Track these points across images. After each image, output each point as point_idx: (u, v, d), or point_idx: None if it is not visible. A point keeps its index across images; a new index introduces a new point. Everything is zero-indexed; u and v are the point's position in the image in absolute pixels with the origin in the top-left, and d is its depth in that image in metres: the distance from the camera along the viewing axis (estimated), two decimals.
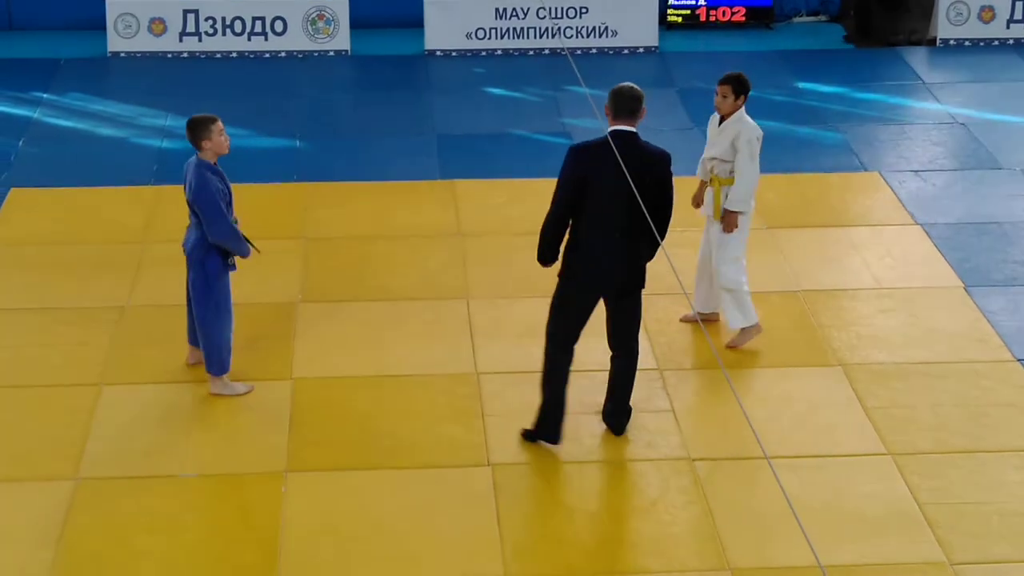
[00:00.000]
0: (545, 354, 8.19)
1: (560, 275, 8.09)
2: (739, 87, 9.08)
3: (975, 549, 7.52)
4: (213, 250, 8.52)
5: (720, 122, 9.21)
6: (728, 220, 9.14)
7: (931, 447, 8.39)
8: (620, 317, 8.15)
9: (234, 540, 7.55)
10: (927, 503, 7.86)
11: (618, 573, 7.34)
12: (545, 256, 8.05)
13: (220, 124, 8.47)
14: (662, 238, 7.88)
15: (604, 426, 8.51)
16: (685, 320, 9.63)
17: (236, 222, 8.65)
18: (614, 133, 7.80)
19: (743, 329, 9.31)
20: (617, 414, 8.38)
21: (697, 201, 9.46)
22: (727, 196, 9.14)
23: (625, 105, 7.82)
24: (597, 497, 7.94)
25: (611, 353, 8.31)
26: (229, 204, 8.59)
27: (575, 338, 8.15)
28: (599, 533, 7.63)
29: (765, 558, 7.46)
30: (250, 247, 8.62)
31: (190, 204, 8.53)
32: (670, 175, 7.95)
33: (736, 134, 9.07)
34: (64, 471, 8.05)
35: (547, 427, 8.24)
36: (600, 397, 8.65)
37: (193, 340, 8.95)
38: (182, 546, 7.50)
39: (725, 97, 9.10)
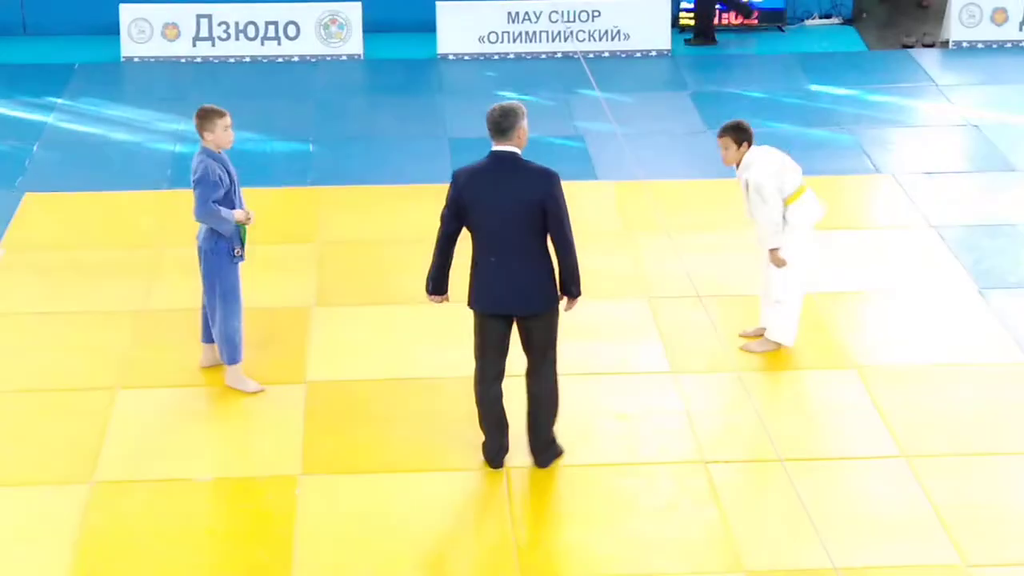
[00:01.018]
0: (474, 373, 8.02)
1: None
2: (739, 135, 8.90)
3: (991, 552, 7.50)
4: (221, 241, 8.58)
5: (738, 173, 9.01)
6: (772, 257, 8.99)
7: (946, 450, 8.37)
8: (527, 341, 7.88)
9: (248, 543, 7.56)
10: (942, 505, 7.85)
11: None
12: (429, 285, 7.95)
13: (228, 120, 8.57)
14: (567, 262, 7.66)
15: (619, 428, 8.51)
16: (745, 335, 9.45)
17: (249, 217, 8.69)
18: (491, 154, 7.68)
19: (769, 340, 9.27)
20: (538, 447, 8.07)
21: None
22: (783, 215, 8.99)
23: (495, 125, 7.63)
24: (611, 500, 7.93)
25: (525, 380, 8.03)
26: (233, 191, 8.63)
27: (497, 360, 7.91)
28: (613, 536, 7.63)
29: (780, 561, 7.45)
30: (237, 216, 8.57)
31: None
32: (551, 194, 7.59)
33: (746, 183, 8.91)
34: (80, 474, 8.07)
35: (487, 451, 8.11)
36: (616, 401, 8.68)
37: (207, 339, 8.99)
38: (197, 549, 7.51)
39: (727, 149, 8.93)
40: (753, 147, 8.97)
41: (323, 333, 9.56)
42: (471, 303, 7.86)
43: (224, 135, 8.55)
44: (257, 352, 9.23)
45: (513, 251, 7.66)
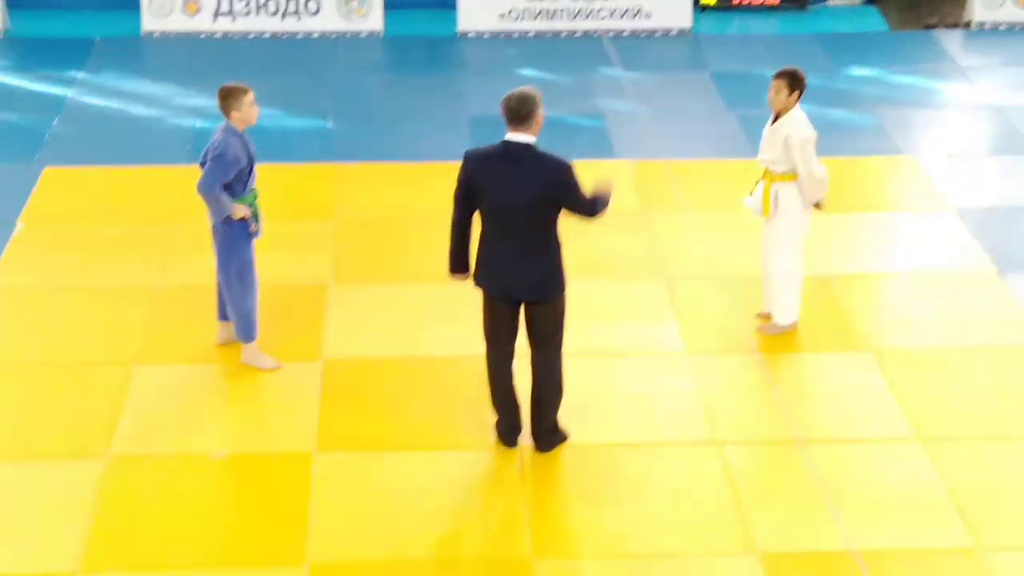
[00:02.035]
0: (486, 355, 8.03)
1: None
2: (794, 82, 8.78)
3: (1004, 535, 7.49)
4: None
5: (774, 120, 8.95)
6: (818, 207, 9.04)
7: (961, 433, 8.35)
8: (532, 326, 7.85)
9: (264, 520, 7.59)
10: (957, 489, 7.83)
11: (646, 556, 7.35)
12: (450, 264, 7.91)
13: (251, 95, 8.53)
14: (595, 214, 7.65)
15: (633, 408, 8.51)
16: (761, 316, 9.43)
17: (255, 195, 8.67)
18: (504, 143, 7.57)
19: (779, 324, 9.27)
20: (540, 430, 8.07)
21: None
22: (776, 195, 8.97)
23: (512, 113, 7.50)
24: (625, 481, 7.94)
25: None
26: (249, 172, 8.60)
27: (506, 341, 7.91)
28: (627, 517, 7.63)
29: (793, 543, 7.45)
30: (236, 212, 8.51)
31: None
32: (565, 184, 7.53)
33: (787, 136, 8.80)
34: (95, 449, 8.11)
35: (500, 431, 8.15)
36: (631, 381, 8.67)
37: (222, 316, 9.02)
38: (211, 525, 7.55)
39: (778, 92, 8.81)
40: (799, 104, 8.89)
41: (340, 310, 9.58)
42: (477, 281, 7.86)
43: (251, 111, 8.53)
44: (273, 328, 9.25)
45: (522, 239, 7.62)
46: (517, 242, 7.61)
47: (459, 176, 7.74)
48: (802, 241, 9.15)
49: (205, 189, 8.46)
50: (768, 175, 9.04)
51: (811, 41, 14.83)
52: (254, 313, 8.79)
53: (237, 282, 8.68)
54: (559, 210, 7.59)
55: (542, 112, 7.58)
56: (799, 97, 8.88)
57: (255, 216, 8.66)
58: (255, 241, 8.73)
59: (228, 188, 8.50)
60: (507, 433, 8.11)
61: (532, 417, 8.08)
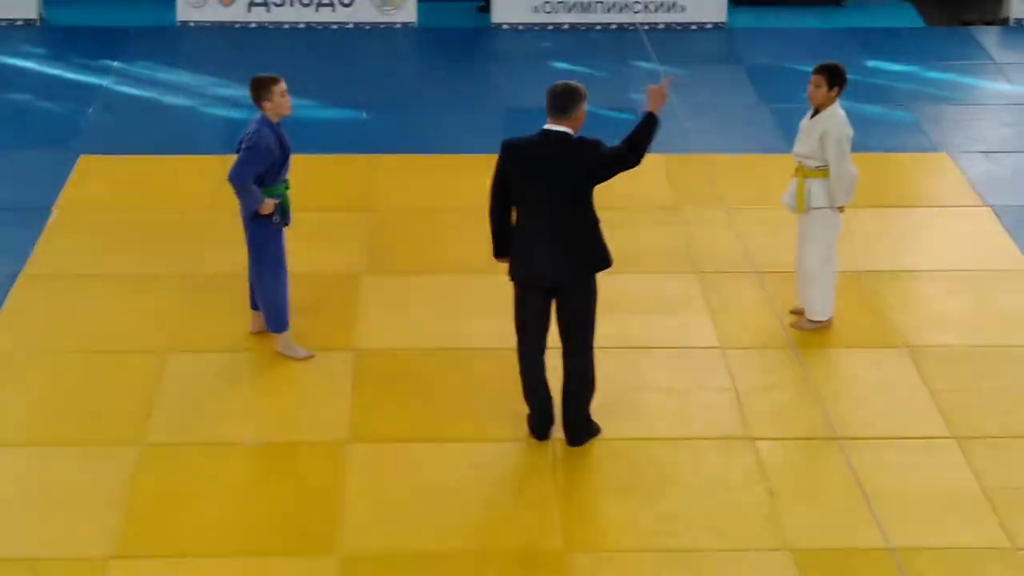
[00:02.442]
0: (517, 347, 8.02)
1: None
2: (834, 77, 8.76)
3: None
4: None
5: (812, 115, 8.93)
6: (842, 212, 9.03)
7: (997, 431, 8.30)
8: (562, 316, 7.86)
9: (295, 508, 7.61)
10: (992, 487, 7.79)
11: (677, 550, 7.33)
12: (494, 248, 7.96)
13: (283, 85, 8.54)
14: (638, 159, 7.64)
15: (666, 402, 8.49)
16: (795, 311, 9.39)
17: (287, 185, 8.68)
18: (543, 132, 7.62)
19: (813, 320, 9.24)
20: (571, 424, 8.04)
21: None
22: (810, 191, 8.96)
23: (555, 102, 7.57)
24: (657, 474, 7.92)
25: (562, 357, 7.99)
26: (282, 165, 8.61)
27: (537, 334, 7.91)
28: (658, 510, 7.62)
29: (826, 539, 7.42)
30: (264, 208, 8.53)
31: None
32: (599, 152, 7.57)
33: (824, 132, 8.80)
34: (130, 436, 8.14)
35: (532, 424, 8.13)
36: (664, 375, 8.65)
37: (254, 305, 9.04)
38: (244, 512, 7.57)
39: (818, 87, 8.79)
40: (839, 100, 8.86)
41: (372, 301, 9.59)
42: (511, 274, 7.88)
43: (282, 101, 8.54)
44: (306, 318, 9.27)
45: (555, 225, 7.63)
46: (551, 227, 7.63)
47: (496, 165, 7.79)
48: (834, 237, 9.12)
49: (237, 180, 8.48)
50: (801, 171, 9.01)
51: (847, 36, 14.76)
52: (285, 304, 8.79)
53: (267, 274, 8.70)
54: (593, 184, 7.62)
55: (585, 108, 7.59)
56: (839, 93, 8.84)
57: (284, 207, 8.65)
58: (285, 231, 8.72)
59: (260, 178, 8.50)
60: (539, 427, 8.10)
61: (564, 411, 8.06)
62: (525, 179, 7.65)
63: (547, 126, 7.61)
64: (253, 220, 8.61)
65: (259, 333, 9.08)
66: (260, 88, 8.53)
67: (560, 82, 7.65)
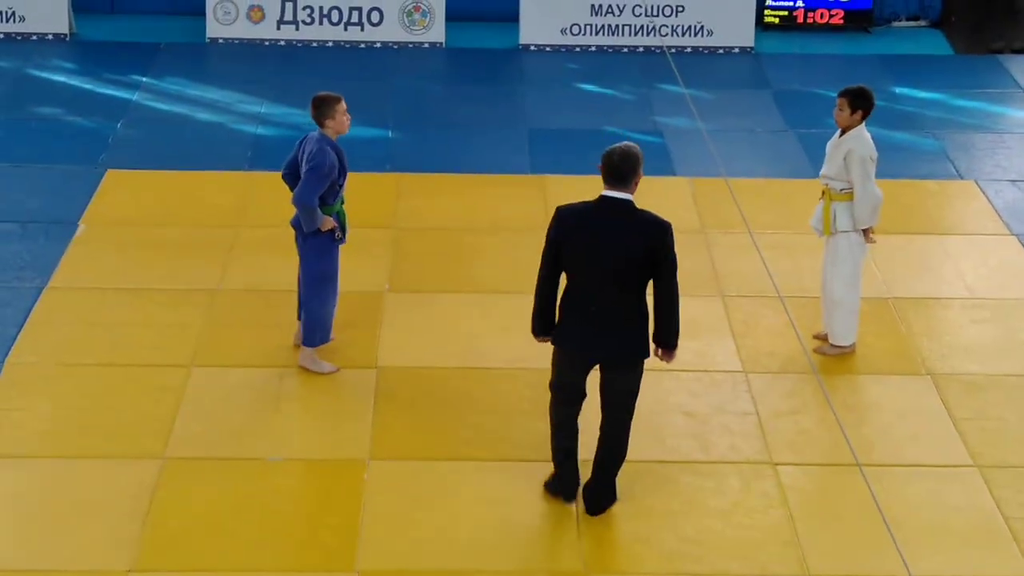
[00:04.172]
0: (550, 406, 7.70)
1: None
2: (856, 101, 8.82)
3: None
4: None
5: (840, 135, 8.98)
6: (867, 237, 9.03)
7: (1020, 461, 8.26)
8: (607, 391, 7.50)
9: (315, 525, 7.61)
10: (1014, 518, 7.75)
11: (698, 575, 7.30)
12: (534, 325, 7.51)
13: (344, 104, 8.61)
14: (670, 313, 7.30)
15: (688, 426, 8.47)
16: (818, 336, 9.37)
17: (343, 201, 8.74)
18: (602, 199, 7.21)
19: (836, 345, 9.22)
20: (593, 491, 7.70)
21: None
22: (835, 215, 8.97)
23: (614, 170, 7.17)
24: (677, 498, 7.90)
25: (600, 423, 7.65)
26: (340, 184, 8.67)
27: (576, 398, 7.60)
28: (678, 534, 7.60)
29: (847, 566, 7.39)
30: (325, 225, 8.59)
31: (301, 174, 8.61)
32: (667, 246, 7.21)
33: (848, 152, 8.84)
34: (153, 450, 8.17)
35: (558, 482, 7.78)
36: (687, 398, 8.63)
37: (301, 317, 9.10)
38: (264, 529, 7.58)
39: (842, 110, 8.86)
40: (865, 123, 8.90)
41: (396, 319, 9.60)
42: (556, 340, 7.48)
43: (343, 119, 8.59)
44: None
45: (612, 300, 7.24)
46: (606, 304, 7.25)
47: (548, 233, 7.34)
48: (860, 262, 9.11)
49: (303, 201, 8.49)
50: (828, 194, 9.02)
51: (874, 63, 14.74)
52: (329, 321, 8.85)
53: (318, 288, 8.74)
54: (652, 274, 7.24)
55: (642, 171, 7.27)
56: (864, 116, 8.87)
57: (342, 224, 8.73)
58: (340, 248, 8.79)
59: (322, 196, 8.55)
60: (568, 490, 7.74)
61: (592, 476, 7.71)
62: (582, 250, 7.21)
63: (605, 193, 7.22)
64: (312, 236, 8.64)
65: (299, 345, 9.12)
66: (324, 106, 8.56)
67: (616, 147, 7.23)
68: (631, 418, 7.63)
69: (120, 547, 7.38)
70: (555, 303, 7.43)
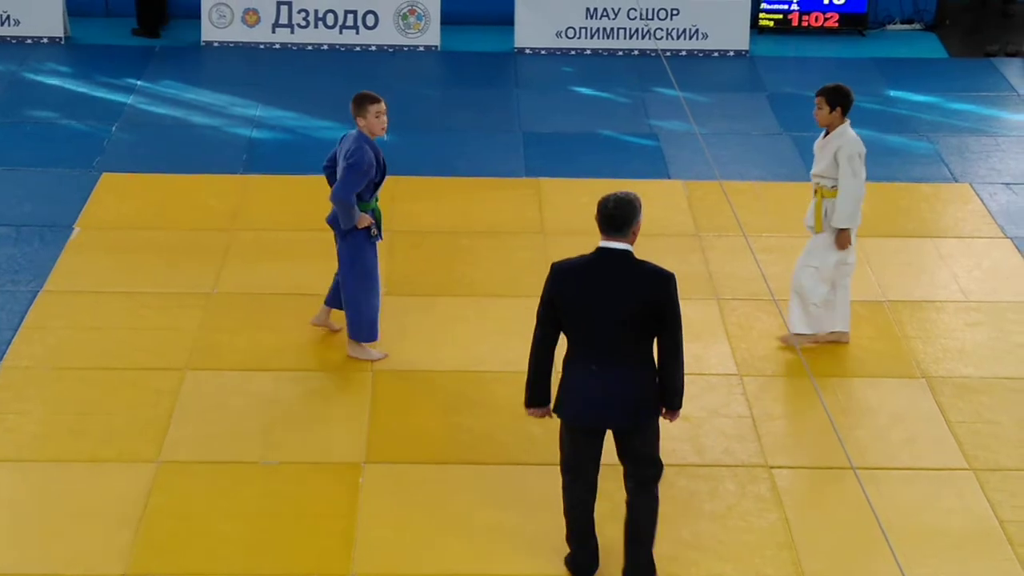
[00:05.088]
0: (562, 488, 7.19)
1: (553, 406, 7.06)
2: (833, 98, 8.91)
3: None
4: None
5: (825, 135, 9.07)
6: (839, 239, 9.06)
7: (1015, 464, 8.27)
8: (626, 450, 7.02)
9: (310, 528, 7.61)
10: (1009, 520, 7.75)
11: None
12: (527, 396, 6.99)
13: (381, 106, 8.69)
14: (674, 370, 6.83)
15: (681, 429, 8.47)
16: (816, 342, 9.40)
17: (377, 199, 8.84)
18: (600, 252, 6.75)
19: (797, 334, 9.29)
20: (636, 567, 7.13)
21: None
22: (827, 211, 9.05)
23: (609, 219, 6.70)
24: (672, 501, 7.89)
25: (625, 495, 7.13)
26: (378, 183, 8.78)
27: (589, 474, 7.07)
28: (673, 537, 7.59)
29: (841, 569, 7.39)
30: (361, 222, 8.71)
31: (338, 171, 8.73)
32: (669, 298, 6.73)
33: (837, 149, 8.93)
34: (147, 453, 8.16)
35: (575, 561, 7.29)
36: (692, 400, 8.65)
37: (330, 303, 9.21)
38: (259, 533, 7.57)
39: (820, 108, 8.97)
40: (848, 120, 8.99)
41: (391, 322, 9.59)
42: (558, 410, 6.99)
43: (376, 121, 8.65)
44: (327, 339, 9.30)
45: (616, 358, 6.77)
46: (610, 363, 6.77)
47: (544, 290, 6.85)
48: (832, 261, 9.14)
49: (342, 197, 8.59)
50: (820, 191, 9.11)
51: (869, 66, 14.76)
52: (375, 315, 8.98)
53: (360, 285, 8.85)
54: (658, 327, 6.78)
55: (641, 219, 6.78)
56: (844, 112, 8.97)
57: (378, 221, 8.83)
58: (378, 245, 8.93)
59: (359, 194, 8.66)
60: (584, 570, 7.28)
61: (626, 553, 7.16)
62: (581, 306, 6.73)
63: (602, 244, 6.76)
64: (349, 233, 8.72)
65: (317, 326, 9.24)
66: (358, 104, 8.69)
67: (611, 196, 6.74)
68: (659, 477, 7.08)
69: (114, 551, 7.36)
70: (551, 369, 6.94)
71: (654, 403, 6.93)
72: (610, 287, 6.72)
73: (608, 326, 6.73)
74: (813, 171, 9.16)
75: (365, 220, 8.69)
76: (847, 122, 8.98)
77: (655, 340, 6.84)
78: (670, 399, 6.96)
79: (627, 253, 6.76)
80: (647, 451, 7.03)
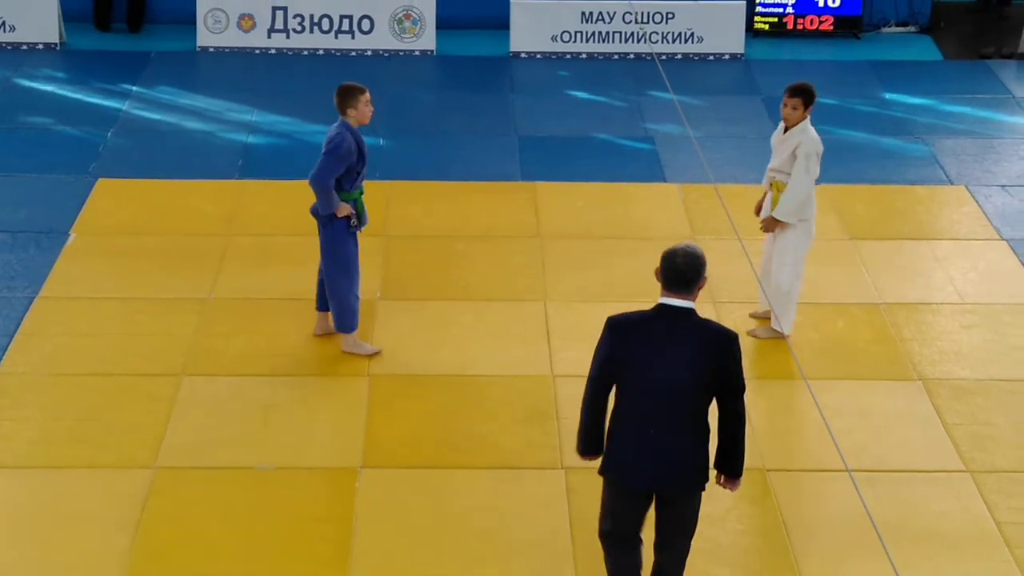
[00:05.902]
0: (604, 554, 6.89)
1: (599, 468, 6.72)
2: (809, 99, 9.10)
3: None
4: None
5: (785, 131, 9.21)
6: (768, 223, 9.27)
7: (1011, 466, 8.27)
8: (663, 518, 6.70)
9: (307, 534, 7.61)
10: (1006, 522, 7.76)
11: None
12: (581, 444, 6.63)
13: (368, 95, 8.81)
14: (738, 435, 6.51)
15: None
16: (756, 316, 9.64)
17: (362, 192, 8.93)
18: (661, 308, 6.39)
19: (774, 328, 9.40)
20: None
21: (758, 209, 9.58)
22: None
23: (678, 275, 6.33)
24: None
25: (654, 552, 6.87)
26: (360, 171, 8.84)
27: (633, 534, 6.76)
28: None
29: (837, 572, 7.39)
30: (341, 211, 8.75)
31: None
32: (736, 360, 6.44)
33: (797, 145, 9.08)
34: (143, 459, 8.16)
35: None
36: None
37: (321, 307, 9.24)
38: (256, 537, 7.57)
39: (795, 109, 9.10)
40: None
41: (387, 326, 9.60)
42: (606, 472, 6.65)
43: (366, 109, 8.79)
44: (321, 343, 9.30)
45: (673, 420, 6.43)
46: (666, 424, 6.42)
47: (599, 348, 6.48)
48: (805, 252, 9.30)
49: (319, 181, 8.67)
50: (775, 185, 9.27)
51: (864, 68, 14.77)
52: (356, 305, 9.02)
53: (342, 275, 8.91)
54: (718, 391, 6.46)
55: (706, 273, 6.44)
56: (809, 112, 9.14)
57: (359, 211, 8.89)
58: (359, 234, 8.96)
59: (339, 183, 8.73)
60: None
61: None
62: (638, 364, 6.38)
63: (664, 300, 6.40)
64: (329, 223, 8.78)
65: (322, 336, 9.26)
66: (347, 95, 8.77)
67: (679, 249, 6.38)
68: (688, 552, 6.82)
69: (111, 557, 7.36)
70: (603, 422, 6.58)
71: (705, 471, 6.58)
72: (671, 347, 6.36)
73: (668, 388, 6.38)
74: (771, 165, 9.34)
75: (345, 209, 8.75)
76: (808, 119, 9.12)
77: (711, 404, 6.50)
78: (733, 466, 6.63)
79: (691, 311, 6.40)
80: (687, 523, 6.71)
